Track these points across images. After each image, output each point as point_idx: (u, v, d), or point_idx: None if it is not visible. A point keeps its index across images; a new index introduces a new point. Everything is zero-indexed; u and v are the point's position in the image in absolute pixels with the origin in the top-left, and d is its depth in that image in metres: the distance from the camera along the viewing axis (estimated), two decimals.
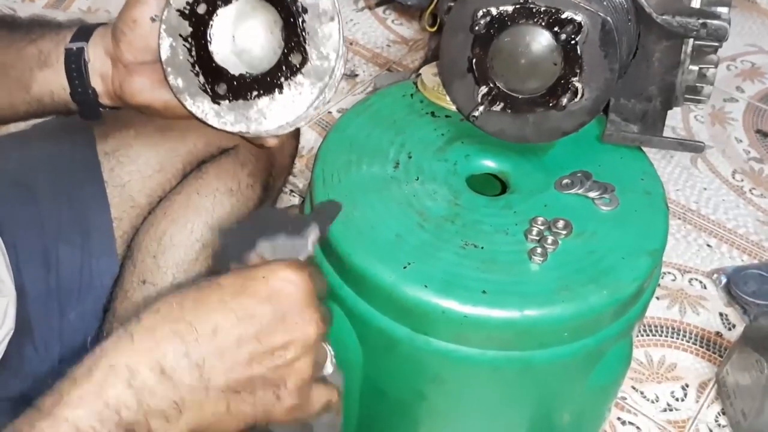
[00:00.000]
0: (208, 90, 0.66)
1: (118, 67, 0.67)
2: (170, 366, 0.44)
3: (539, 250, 0.65)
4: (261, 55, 0.65)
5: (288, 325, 0.49)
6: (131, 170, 0.79)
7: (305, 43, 0.63)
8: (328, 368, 0.57)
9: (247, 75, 0.65)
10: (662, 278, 1.01)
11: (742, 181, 1.15)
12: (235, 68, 0.65)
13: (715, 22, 0.66)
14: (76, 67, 0.66)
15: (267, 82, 0.64)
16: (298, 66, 0.64)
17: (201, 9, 0.63)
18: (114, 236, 0.78)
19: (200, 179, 0.80)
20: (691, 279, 1.01)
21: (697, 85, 0.72)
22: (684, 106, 1.23)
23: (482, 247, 0.66)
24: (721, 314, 0.97)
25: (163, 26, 0.64)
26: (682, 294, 0.99)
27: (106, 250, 0.78)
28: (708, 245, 1.06)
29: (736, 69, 1.34)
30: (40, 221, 0.75)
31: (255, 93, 0.65)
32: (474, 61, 0.68)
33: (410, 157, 0.73)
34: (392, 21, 1.38)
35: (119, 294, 0.78)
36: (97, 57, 0.66)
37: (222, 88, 0.65)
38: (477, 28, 0.65)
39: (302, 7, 0.62)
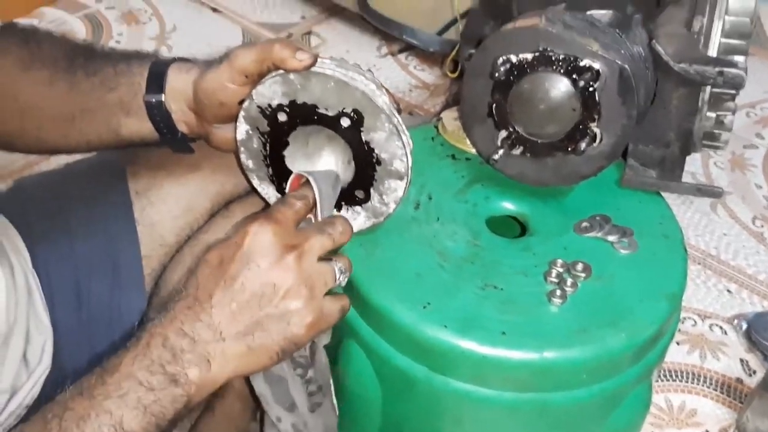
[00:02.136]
0: (275, 182, 0.69)
1: (203, 123, 0.70)
2: (190, 330, 0.56)
3: (558, 292, 0.66)
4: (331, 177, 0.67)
5: (266, 271, 0.57)
6: (161, 210, 0.81)
7: (371, 186, 0.66)
8: (340, 281, 0.62)
9: None
10: (682, 323, 1.00)
11: (762, 227, 1.15)
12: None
13: (732, 70, 0.68)
14: (160, 119, 0.69)
15: None
16: (359, 200, 0.67)
17: (281, 117, 0.64)
18: (143, 273, 0.80)
19: (227, 219, 0.82)
20: (712, 324, 1.01)
21: (715, 131, 0.73)
22: (704, 153, 1.24)
23: (502, 288, 0.66)
24: (741, 360, 0.97)
25: (243, 113, 0.65)
26: (702, 339, 0.99)
27: (135, 286, 0.79)
28: (728, 291, 1.05)
29: (755, 116, 1.35)
30: (74, 257, 0.77)
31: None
32: (494, 106, 0.70)
33: (431, 199, 0.75)
34: (414, 67, 1.41)
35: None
36: (178, 109, 0.69)
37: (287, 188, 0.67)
38: (497, 74, 0.67)
39: (377, 158, 0.65)
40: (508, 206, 0.76)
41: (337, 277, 0.61)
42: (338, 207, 0.68)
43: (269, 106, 0.64)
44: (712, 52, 0.70)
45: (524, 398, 0.65)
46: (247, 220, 0.59)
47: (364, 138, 0.64)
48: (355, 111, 0.62)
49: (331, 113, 0.63)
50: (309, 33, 1.48)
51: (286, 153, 0.67)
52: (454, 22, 1.00)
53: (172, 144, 0.72)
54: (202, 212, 0.83)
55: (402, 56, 1.42)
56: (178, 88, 0.69)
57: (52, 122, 0.70)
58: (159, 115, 0.69)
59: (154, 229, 0.81)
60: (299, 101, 0.63)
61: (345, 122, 0.63)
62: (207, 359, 0.55)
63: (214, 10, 1.52)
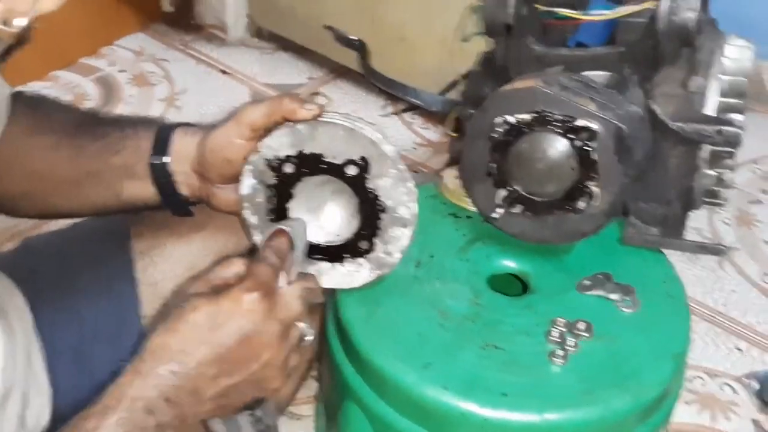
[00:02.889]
0: None
1: (206, 185, 0.71)
2: (174, 395, 0.56)
3: (560, 352, 0.65)
4: (334, 230, 0.68)
5: (254, 343, 0.57)
6: (164, 269, 0.81)
7: (376, 235, 0.67)
8: (307, 342, 0.61)
9: (316, 241, 0.68)
10: (691, 382, 0.99)
11: None
12: (307, 230, 0.67)
13: (730, 129, 0.68)
14: (164, 182, 0.70)
15: (332, 252, 0.68)
16: (362, 251, 0.68)
17: (287, 168, 0.65)
18: (144, 334, 0.80)
19: None
20: (722, 384, 0.99)
21: (715, 188, 0.73)
22: (709, 209, 1.23)
23: (503, 348, 0.66)
24: (753, 421, 0.94)
25: (249, 167, 0.66)
26: (712, 399, 0.97)
27: (136, 348, 0.79)
28: (738, 349, 1.04)
29: (760, 171, 1.35)
30: (75, 319, 0.77)
31: (319, 256, 0.68)
32: (493, 165, 0.70)
33: (432, 257, 0.75)
34: (418, 125, 1.43)
35: None
36: (182, 171, 0.70)
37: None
38: (496, 135, 0.68)
39: (382, 206, 0.66)
40: (510, 264, 0.76)
41: (307, 338, 0.61)
42: (342, 260, 0.68)
43: (276, 158, 0.65)
44: (710, 111, 0.71)
45: None
46: (235, 283, 0.58)
47: (369, 185, 0.64)
48: (362, 158, 0.63)
49: (338, 161, 0.64)
50: (316, 93, 1.50)
51: (290, 206, 0.67)
52: (455, 82, 1.01)
53: (174, 207, 0.72)
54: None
55: (406, 115, 1.44)
56: (182, 150, 0.70)
57: (57, 187, 0.71)
58: (163, 177, 0.70)
59: (156, 288, 0.81)
60: (307, 151, 0.64)
61: (351, 170, 0.64)
62: (184, 419, 0.56)
63: (223, 72, 1.55)
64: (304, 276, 0.63)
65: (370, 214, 0.66)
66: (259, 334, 0.57)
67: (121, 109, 1.45)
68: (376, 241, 0.67)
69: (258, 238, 0.69)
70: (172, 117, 1.43)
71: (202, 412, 0.57)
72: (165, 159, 0.69)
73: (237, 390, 0.58)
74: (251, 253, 0.82)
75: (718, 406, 0.96)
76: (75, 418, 0.55)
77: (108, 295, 0.79)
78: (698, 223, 1.22)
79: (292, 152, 0.65)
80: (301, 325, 0.60)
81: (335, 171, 0.65)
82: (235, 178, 0.68)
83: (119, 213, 0.74)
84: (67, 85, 1.50)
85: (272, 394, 0.60)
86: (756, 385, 0.97)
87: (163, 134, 0.71)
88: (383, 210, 0.66)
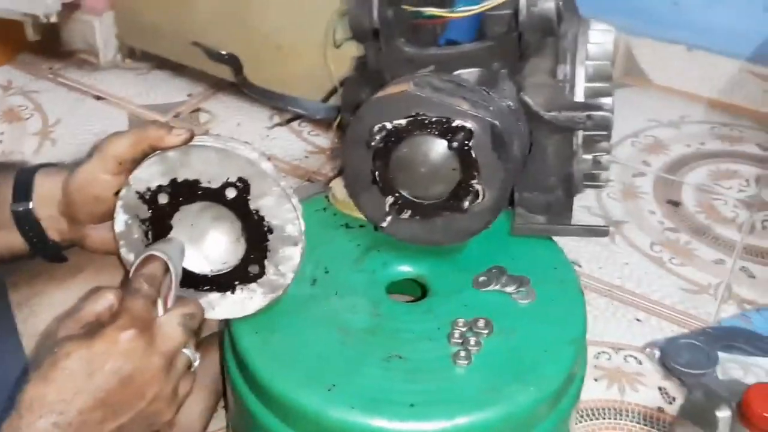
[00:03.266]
0: None
1: (76, 227, 0.67)
2: None
3: (463, 353, 0.65)
4: (219, 259, 0.65)
5: (138, 385, 0.55)
6: (46, 318, 0.77)
7: (266, 258, 0.65)
8: (195, 366, 0.60)
9: (202, 273, 0.65)
10: (597, 358, 1.01)
11: (661, 251, 1.17)
12: (191, 261, 0.64)
13: (599, 113, 0.70)
14: (29, 228, 0.66)
15: (221, 282, 0.65)
16: (253, 276, 0.65)
17: (162, 199, 0.62)
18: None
19: None
20: (626, 356, 1.02)
21: (594, 172, 0.75)
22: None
23: (406, 358, 0.65)
24: (660, 388, 0.97)
25: (121, 202, 0.63)
26: (619, 372, 1.00)
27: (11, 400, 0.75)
28: (637, 319, 1.07)
29: (640, 144, 1.40)
30: None
31: (207, 287, 0.65)
32: (377, 173, 0.69)
33: (327, 272, 0.73)
34: (308, 132, 1.41)
35: None
36: (48, 216, 0.66)
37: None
38: (374, 143, 0.67)
39: (269, 227, 0.63)
40: (407, 269, 0.75)
41: (194, 364, 0.60)
42: (233, 288, 0.66)
43: (148, 189, 0.62)
44: (579, 97, 0.72)
45: None
46: (108, 321, 0.56)
47: (252, 207, 0.62)
48: (240, 179, 0.61)
49: (214, 186, 0.62)
50: (197, 110, 1.46)
51: (171, 236, 0.64)
52: (335, 89, 1.00)
53: (44, 254, 0.68)
54: None
55: (295, 124, 1.42)
56: (46, 193, 0.66)
57: None
58: (28, 224, 0.66)
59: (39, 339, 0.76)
60: (180, 179, 0.62)
61: (231, 192, 0.62)
62: None
63: (98, 98, 1.48)
64: (182, 301, 0.60)
65: (257, 236, 0.64)
66: (141, 372, 0.55)
67: None
68: (267, 263, 0.65)
69: None
70: (47, 150, 1.36)
71: None
72: (28, 205, 0.65)
73: (127, 430, 0.56)
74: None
75: (625, 378, 0.99)
76: None
77: None
78: (587, 201, 1.25)
79: (164, 181, 0.62)
80: (186, 351, 0.59)
81: (213, 196, 0.62)
82: (107, 216, 0.65)
83: None
84: None
85: (166, 427, 0.59)
86: (657, 353, 1.01)
87: (23, 178, 0.67)
88: (270, 230, 0.64)
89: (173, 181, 0.62)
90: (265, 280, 0.66)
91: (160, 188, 0.62)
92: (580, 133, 0.72)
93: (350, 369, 0.64)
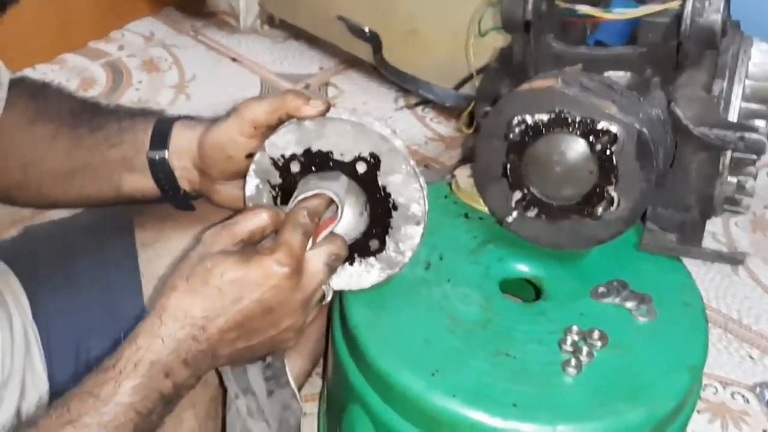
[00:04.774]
0: None
1: (207, 180, 0.69)
2: (191, 359, 0.56)
3: (573, 361, 0.63)
4: (342, 230, 0.65)
5: (277, 316, 0.58)
6: (167, 262, 0.80)
7: (387, 234, 0.65)
8: (327, 299, 0.62)
9: None
10: (704, 390, 0.97)
11: None
12: None
13: (753, 135, 0.66)
14: (163, 176, 0.69)
15: None
16: (373, 251, 0.66)
17: (294, 167, 0.63)
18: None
19: None
20: (733, 392, 0.97)
21: (736, 196, 0.71)
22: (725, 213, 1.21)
23: (514, 357, 0.64)
24: (765, 431, 0.93)
25: (254, 166, 0.64)
26: (723, 408, 0.95)
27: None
28: (750, 357, 1.02)
29: None
30: (75, 311, 0.76)
31: None
32: (508, 166, 0.68)
33: (442, 259, 0.73)
34: (431, 119, 1.40)
35: None
36: (182, 166, 0.69)
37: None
38: (512, 135, 0.65)
39: (394, 204, 0.64)
40: (523, 268, 0.74)
41: (326, 298, 0.62)
42: (351, 260, 0.66)
43: (282, 156, 0.63)
44: (733, 116, 0.69)
45: None
46: (266, 251, 0.57)
47: (380, 182, 0.63)
48: (371, 155, 0.62)
49: (346, 159, 0.62)
50: (327, 84, 1.48)
51: None
52: (470, 78, 0.99)
53: (174, 201, 0.71)
54: None
55: (419, 109, 1.42)
56: (182, 144, 0.68)
57: (53, 177, 0.70)
58: (162, 172, 0.69)
59: (160, 282, 0.79)
60: (314, 149, 0.62)
61: (361, 167, 0.62)
62: (198, 377, 0.57)
63: (234, 60, 1.53)
64: (331, 238, 0.61)
65: (381, 212, 0.64)
66: (283, 306, 0.58)
67: (129, 95, 1.43)
68: (388, 239, 0.65)
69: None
70: (182, 104, 1.41)
71: (216, 365, 0.59)
72: (164, 154, 0.68)
73: (253, 350, 0.59)
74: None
75: (729, 415, 0.94)
76: (86, 381, 0.54)
77: (109, 287, 0.78)
78: (712, 227, 1.19)
79: (298, 150, 0.63)
80: (323, 287, 0.61)
81: (345, 169, 0.63)
82: (236, 175, 0.66)
83: (117, 204, 0.73)
84: (75, 69, 1.48)
85: (285, 350, 0.63)
86: (767, 395, 0.96)
87: (161, 127, 0.69)
88: (395, 207, 0.64)
89: (307, 151, 0.63)
90: (384, 256, 0.66)
91: (293, 156, 0.63)
92: (729, 154, 0.69)
93: (456, 358, 0.63)
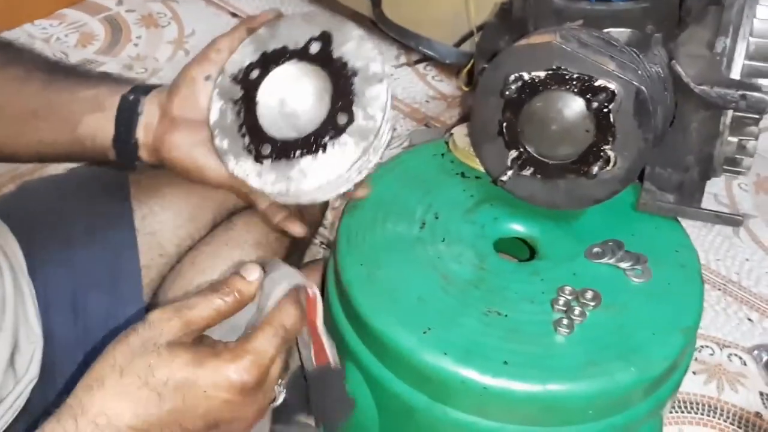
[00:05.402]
0: (253, 150, 0.64)
1: (164, 120, 0.67)
2: None
3: (566, 321, 0.63)
4: (308, 118, 0.64)
5: (217, 423, 0.48)
6: (162, 219, 0.79)
7: (352, 104, 0.62)
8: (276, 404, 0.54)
9: (291, 138, 0.64)
10: (699, 352, 0.97)
11: None
12: (280, 130, 0.64)
13: (756, 94, 0.65)
14: (127, 116, 0.66)
15: (311, 142, 0.63)
16: (343, 126, 0.62)
17: (254, 74, 0.63)
18: (142, 285, 0.78)
19: (230, 231, 0.80)
20: (731, 354, 0.97)
21: (737, 156, 0.70)
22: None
23: (506, 315, 0.64)
24: (761, 393, 0.93)
25: (217, 90, 0.64)
26: (720, 370, 0.95)
27: (133, 298, 0.78)
28: (749, 319, 1.01)
29: None
30: (71, 265, 0.76)
31: (298, 152, 0.63)
32: (504, 125, 0.67)
33: (437, 218, 0.72)
34: (432, 77, 1.39)
35: None
36: (149, 110, 0.67)
37: (266, 149, 0.64)
38: (508, 92, 0.64)
39: (352, 70, 0.62)
40: (518, 228, 0.73)
41: (278, 399, 0.53)
42: (323, 147, 0.62)
43: (240, 69, 0.63)
44: (735, 74, 0.67)
45: None
46: (221, 353, 0.48)
47: (335, 55, 0.62)
48: (322, 33, 0.62)
49: (300, 45, 0.62)
50: None
51: (260, 111, 0.64)
52: (470, 34, 0.97)
53: (120, 153, 0.68)
54: (204, 222, 0.81)
55: (420, 66, 1.40)
56: (158, 92, 0.67)
57: (11, 120, 0.67)
58: (128, 111, 0.66)
59: (154, 238, 0.79)
60: (269, 50, 0.63)
61: (315, 47, 0.62)
62: None
63: (233, 14, 1.51)
64: (279, 306, 0.52)
65: (342, 83, 0.62)
66: (231, 422, 0.49)
67: (128, 50, 1.42)
68: (354, 108, 0.62)
69: (232, 162, 0.64)
70: (181, 59, 1.40)
71: None
72: (140, 97, 0.66)
73: None
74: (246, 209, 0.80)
75: (725, 377, 0.95)
76: None
77: (104, 243, 0.77)
78: (715, 189, 1.18)
79: (255, 57, 0.63)
80: (277, 389, 0.52)
81: (299, 55, 0.63)
82: (194, 107, 0.65)
83: (62, 157, 0.69)
84: (74, 24, 1.47)
85: None
86: (765, 357, 0.95)
87: (150, 85, 0.68)
88: (354, 73, 0.62)
89: (263, 54, 0.63)
90: (356, 127, 0.62)
91: (251, 65, 0.63)
92: (730, 113, 0.67)
93: (448, 316, 0.63)
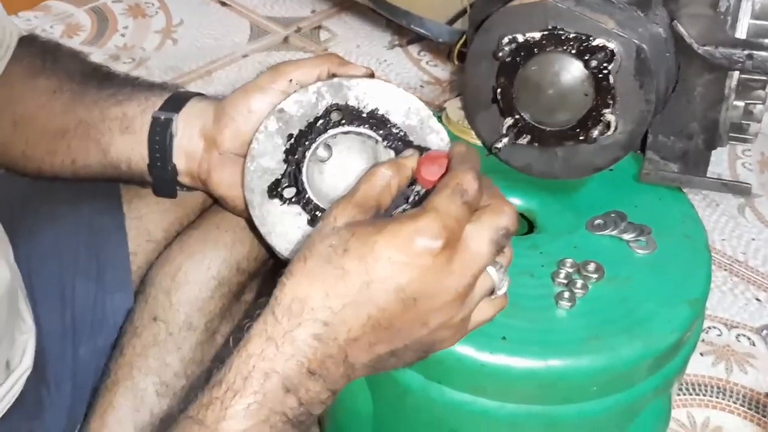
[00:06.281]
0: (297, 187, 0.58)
1: (211, 152, 0.61)
2: (317, 367, 0.44)
3: (567, 294, 0.60)
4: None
5: (423, 311, 0.45)
6: (150, 202, 0.76)
7: None
8: (500, 291, 0.49)
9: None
10: (707, 333, 0.94)
11: None
12: (318, 196, 0.58)
13: (763, 53, 0.61)
14: (160, 139, 0.61)
15: None
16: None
17: (335, 116, 0.57)
18: (130, 271, 0.75)
19: (220, 213, 0.76)
20: (739, 335, 0.94)
21: (743, 122, 0.67)
22: (731, 153, 1.17)
23: None
24: None
25: (280, 106, 0.56)
26: (728, 351, 0.92)
27: (121, 285, 0.75)
28: (757, 299, 0.99)
29: None
30: (58, 252, 0.73)
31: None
32: (499, 91, 0.64)
33: None
34: (426, 62, 1.36)
35: (129, 330, 0.74)
36: (186, 134, 0.62)
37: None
38: (502, 55, 0.61)
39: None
40: (515, 201, 0.70)
41: (497, 291, 0.49)
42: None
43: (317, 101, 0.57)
44: (741, 34, 0.64)
45: (528, 411, 0.59)
46: (400, 218, 0.45)
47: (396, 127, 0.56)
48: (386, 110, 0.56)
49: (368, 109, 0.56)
50: (319, 27, 1.44)
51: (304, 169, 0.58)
52: (464, 12, 0.95)
53: (158, 180, 0.64)
54: (193, 207, 0.78)
55: (414, 51, 1.37)
56: (197, 108, 0.62)
57: (41, 135, 0.64)
58: (160, 135, 0.61)
59: (141, 223, 0.76)
60: (348, 102, 0.56)
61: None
62: (332, 390, 0.46)
63: (223, 3, 1.48)
64: (496, 206, 0.48)
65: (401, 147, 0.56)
66: (430, 297, 0.45)
67: (115, 41, 1.39)
68: None
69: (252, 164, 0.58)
70: (168, 49, 1.37)
71: (354, 377, 0.47)
72: (172, 116, 0.61)
73: (397, 355, 0.47)
74: None
75: (734, 357, 0.92)
76: (192, 402, 0.44)
77: (91, 228, 0.75)
78: (719, 168, 1.15)
79: (336, 101, 0.56)
80: (491, 272, 0.47)
81: (363, 119, 0.56)
82: (246, 144, 0.58)
83: (99, 178, 0.66)
84: (59, 15, 1.44)
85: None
86: None
87: (181, 95, 0.63)
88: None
89: (345, 104, 0.56)
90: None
91: (334, 105, 0.56)
92: (735, 75, 0.64)
93: None
